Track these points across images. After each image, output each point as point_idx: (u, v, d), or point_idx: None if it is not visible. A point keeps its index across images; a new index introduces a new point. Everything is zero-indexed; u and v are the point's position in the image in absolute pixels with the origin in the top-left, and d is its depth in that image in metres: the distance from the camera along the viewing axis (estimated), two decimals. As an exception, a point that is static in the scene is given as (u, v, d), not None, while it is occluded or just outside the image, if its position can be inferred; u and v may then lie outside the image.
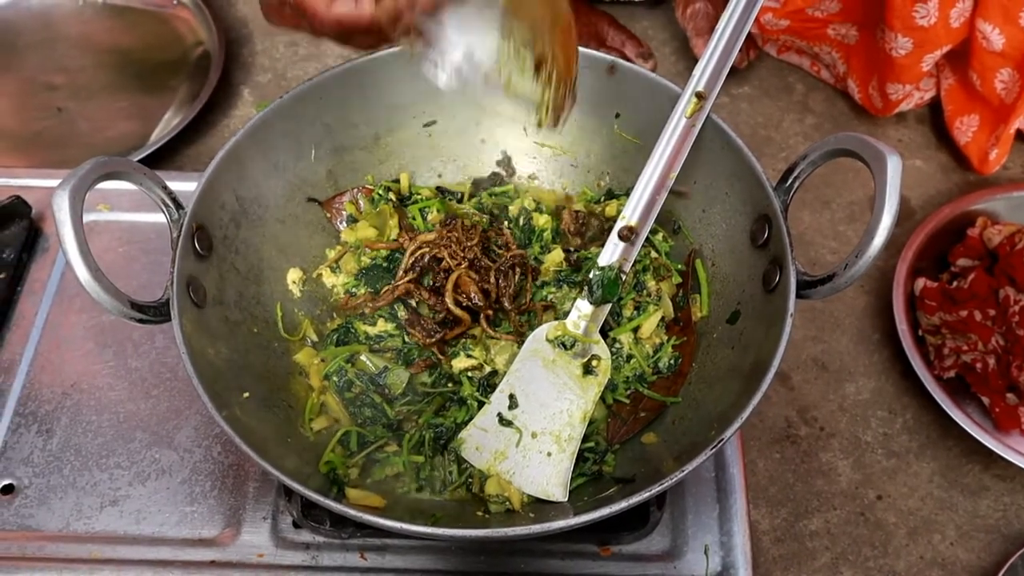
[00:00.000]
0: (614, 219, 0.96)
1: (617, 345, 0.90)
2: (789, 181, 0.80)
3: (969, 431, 0.98)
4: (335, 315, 0.95)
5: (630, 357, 0.90)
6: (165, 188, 0.79)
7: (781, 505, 1.01)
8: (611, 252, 0.86)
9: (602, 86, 0.91)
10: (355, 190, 0.96)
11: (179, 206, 0.80)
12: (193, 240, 0.81)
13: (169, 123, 1.22)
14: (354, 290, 0.94)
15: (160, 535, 0.90)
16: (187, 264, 0.79)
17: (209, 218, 0.84)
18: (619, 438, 0.87)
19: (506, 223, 0.95)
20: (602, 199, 0.99)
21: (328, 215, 0.96)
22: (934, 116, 1.25)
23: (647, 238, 0.94)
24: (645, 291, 0.92)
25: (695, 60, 0.85)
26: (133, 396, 0.98)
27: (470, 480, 0.83)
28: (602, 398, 0.87)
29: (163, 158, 1.23)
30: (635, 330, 0.91)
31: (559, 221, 0.95)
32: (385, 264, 0.94)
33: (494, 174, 1.01)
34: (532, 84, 0.72)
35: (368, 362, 0.89)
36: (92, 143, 1.20)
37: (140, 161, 0.79)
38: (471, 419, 0.85)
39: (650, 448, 0.85)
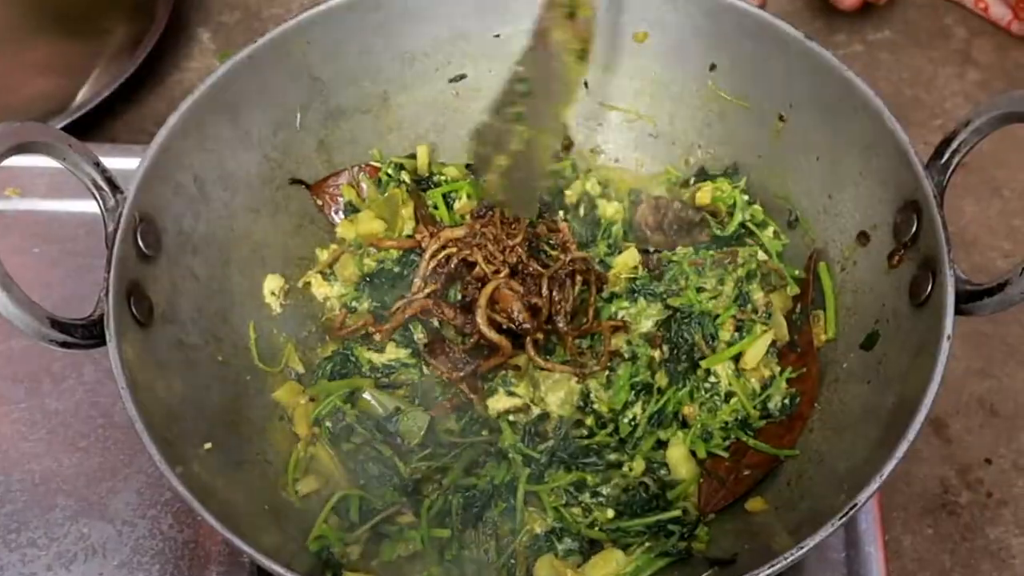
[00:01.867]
0: (708, 208, 0.91)
1: (712, 379, 0.86)
2: (946, 157, 0.77)
3: None
4: (328, 338, 0.92)
5: (730, 395, 0.86)
6: (98, 165, 0.76)
7: (934, 597, 0.95)
8: None
9: (691, 28, 0.88)
10: (355, 169, 0.94)
11: (117, 189, 0.77)
12: (136, 236, 0.78)
13: (101, 79, 1.20)
14: (354, 304, 0.92)
15: (90, 639, 0.86)
16: (128, 268, 0.76)
17: (158, 206, 0.81)
18: (715, 505, 0.83)
19: (561, 213, 0.93)
20: (692, 181, 0.95)
21: (319, 202, 0.94)
22: None
23: (753, 233, 0.90)
24: (750, 305, 0.89)
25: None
26: (53, 449, 0.93)
27: (513, 561, 0.80)
28: (692, 452, 0.84)
29: (94, 126, 1.18)
30: (736, 359, 0.87)
31: (633, 211, 0.94)
32: (397, 269, 0.91)
33: (545, 147, 0.94)
34: None
35: (374, 402, 0.86)
36: (-1, 106, 1.18)
37: (64, 129, 0.77)
38: (515, 478, 0.82)
39: (757, 518, 0.82)
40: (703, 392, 0.86)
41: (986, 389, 1.06)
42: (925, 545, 0.98)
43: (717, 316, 0.88)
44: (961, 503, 1.00)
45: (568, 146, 0.98)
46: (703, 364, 0.87)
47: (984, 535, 0.98)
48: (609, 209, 0.93)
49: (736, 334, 0.88)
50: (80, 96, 1.18)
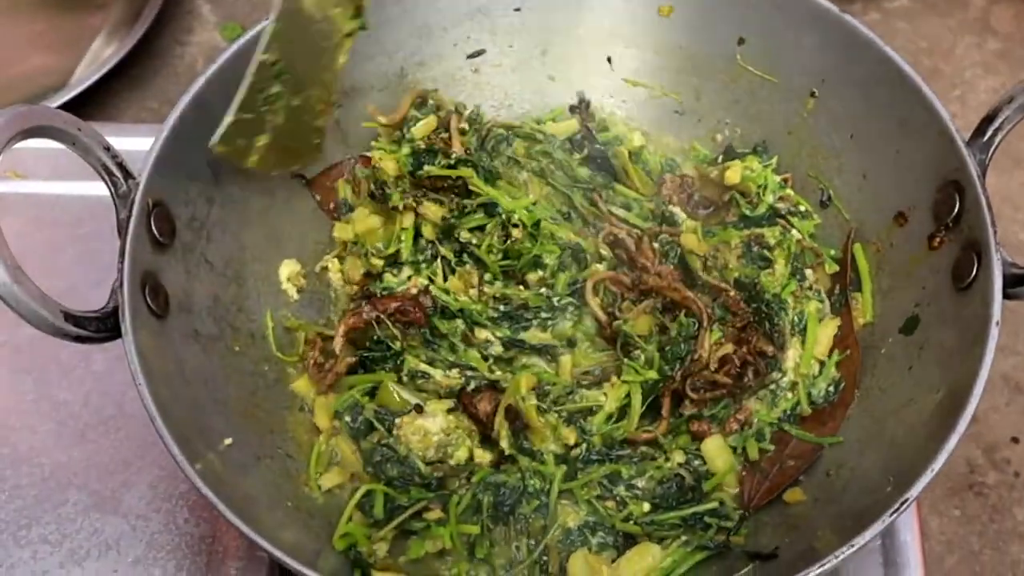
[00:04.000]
0: (737, 187, 0.88)
1: (777, 372, 0.84)
2: (988, 134, 0.75)
3: None
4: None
5: (793, 385, 0.83)
6: (108, 150, 0.74)
7: (963, 580, 0.95)
8: None
9: (719, 0, 0.88)
10: (352, 161, 0.91)
11: (128, 174, 0.75)
12: (149, 223, 0.76)
13: (99, 53, 1.17)
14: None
15: (106, 637, 0.84)
16: (142, 258, 0.74)
17: (171, 192, 0.79)
18: (759, 500, 0.81)
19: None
20: (719, 159, 0.93)
21: (317, 197, 0.92)
22: None
23: (782, 214, 0.88)
24: (806, 281, 0.87)
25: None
26: (62, 441, 0.91)
27: (545, 558, 0.79)
28: (735, 448, 0.82)
29: (94, 101, 1.14)
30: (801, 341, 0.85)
31: (658, 188, 0.91)
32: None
33: (566, 125, 0.96)
34: None
35: (396, 395, 0.83)
36: (-6, 83, 1.16)
37: (63, 106, 0.78)
38: (550, 484, 0.80)
39: (795, 509, 0.80)
40: (769, 385, 0.83)
41: (1011, 366, 1.05)
42: (953, 527, 0.97)
43: (782, 298, 0.85)
44: (988, 483, 0.99)
45: (591, 123, 0.94)
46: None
47: (1012, 516, 0.97)
48: (636, 139, 0.93)
49: (797, 317, 0.85)
50: (78, 71, 1.16)
